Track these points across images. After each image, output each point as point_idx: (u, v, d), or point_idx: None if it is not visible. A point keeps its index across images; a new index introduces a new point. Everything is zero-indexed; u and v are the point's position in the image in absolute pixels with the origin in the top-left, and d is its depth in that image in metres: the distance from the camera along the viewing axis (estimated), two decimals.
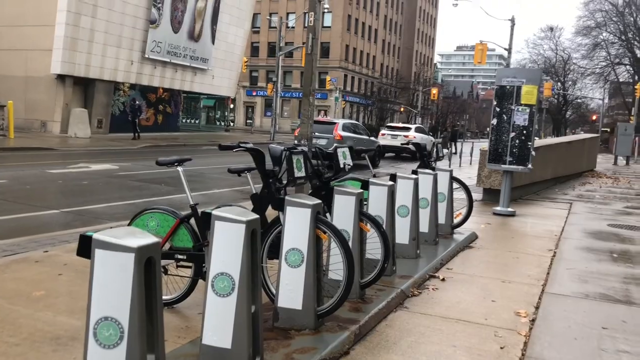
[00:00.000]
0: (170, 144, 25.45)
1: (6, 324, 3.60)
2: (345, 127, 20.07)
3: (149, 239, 2.34)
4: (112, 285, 2.23)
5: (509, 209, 9.61)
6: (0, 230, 6.89)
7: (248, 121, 67.66)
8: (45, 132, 25.72)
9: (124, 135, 26.85)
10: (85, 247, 2.31)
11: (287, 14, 63.48)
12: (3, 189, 10.07)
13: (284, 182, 3.97)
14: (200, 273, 3.98)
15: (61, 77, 25.74)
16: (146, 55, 29.44)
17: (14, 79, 25.75)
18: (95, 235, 2.28)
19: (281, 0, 67.38)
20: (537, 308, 4.66)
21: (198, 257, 3.96)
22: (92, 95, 27.55)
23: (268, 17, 61.96)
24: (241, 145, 3.97)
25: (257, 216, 3.09)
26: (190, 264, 4.05)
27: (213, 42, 34.41)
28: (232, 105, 52.53)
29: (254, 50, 65.86)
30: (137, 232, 2.42)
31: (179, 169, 4.14)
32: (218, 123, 42.49)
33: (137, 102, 27.19)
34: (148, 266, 2.30)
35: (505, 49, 36.77)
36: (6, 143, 19.72)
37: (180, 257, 3.99)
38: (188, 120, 38.68)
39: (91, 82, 27.31)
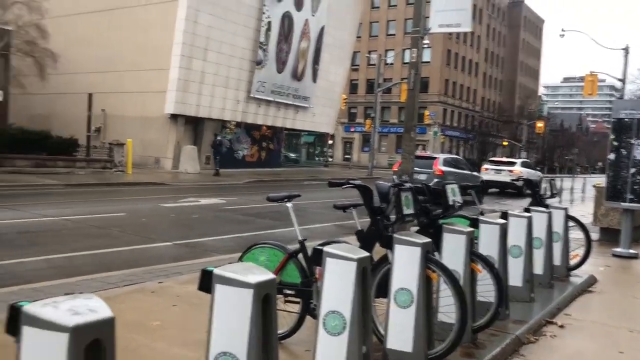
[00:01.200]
0: (273, 179, 26.23)
1: (128, 352, 3.78)
2: (446, 162, 19.67)
3: (266, 275, 2.37)
4: (231, 320, 2.28)
5: (631, 251, 8.85)
6: (120, 260, 7.36)
7: (346, 156, 68.38)
8: (159, 168, 27.48)
9: (231, 171, 28.02)
10: (206, 282, 2.38)
11: (386, 50, 64.12)
12: (122, 222, 10.80)
13: (392, 219, 3.92)
14: (308, 309, 3.98)
15: (174, 117, 27.54)
16: (251, 95, 30.83)
17: (132, 119, 27.90)
18: (216, 271, 2.35)
19: (380, 38, 68.34)
20: None
21: (306, 293, 3.96)
22: (202, 133, 29.17)
23: (367, 55, 62.92)
24: (349, 182, 3.99)
25: (368, 254, 3.06)
26: (298, 300, 4.06)
27: (315, 81, 35.42)
28: (331, 141, 53.44)
29: (352, 87, 66.97)
30: (254, 268, 2.47)
31: (288, 204, 4.22)
32: (317, 159, 43.28)
33: (219, 138, 28.13)
34: (265, 302, 2.32)
35: (618, 79, 34.65)
36: (124, 178, 21.28)
37: (288, 292, 4.02)
38: (289, 156, 39.82)
39: (200, 121, 28.97)
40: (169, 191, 17.81)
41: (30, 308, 1.69)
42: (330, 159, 51.59)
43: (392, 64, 61.82)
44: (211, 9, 27.14)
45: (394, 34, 67.41)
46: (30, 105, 27.87)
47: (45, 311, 1.68)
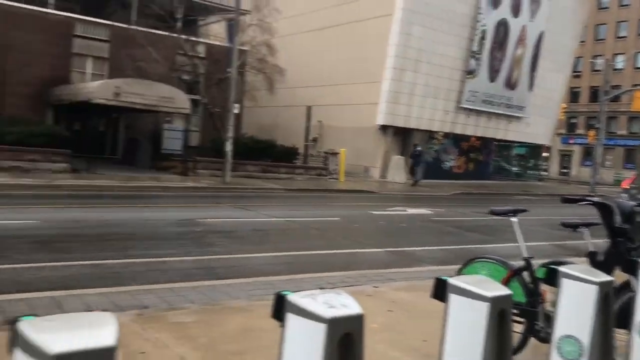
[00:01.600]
0: (480, 192, 25.38)
1: None
2: None
3: (502, 290, 2.33)
4: (466, 332, 2.27)
5: None
6: (338, 262, 7.81)
7: (562, 170, 63.12)
8: (368, 176, 28.45)
9: (437, 182, 27.82)
10: (440, 290, 2.41)
11: (614, 55, 57.83)
12: (337, 226, 11.43)
13: (637, 242, 3.53)
14: (532, 330, 3.78)
15: (383, 127, 28.31)
16: (461, 105, 30.25)
17: (345, 130, 29.37)
18: (451, 280, 2.37)
19: (608, 41, 61.85)
20: None
21: (531, 313, 3.77)
22: (409, 143, 29.48)
23: (591, 60, 57.45)
24: (586, 198, 3.71)
25: (612, 278, 2.81)
26: (521, 320, 3.88)
27: (530, 89, 33.44)
28: (546, 154, 49.88)
29: (573, 95, 61.61)
30: (488, 282, 2.44)
31: (514, 219, 4.07)
32: (530, 172, 40.69)
33: (418, 149, 27.62)
34: (501, 317, 2.28)
35: None
36: (337, 185, 22.50)
37: (513, 311, 3.86)
38: (510, 170, 38.19)
39: (408, 132, 29.30)
40: (377, 199, 18.35)
41: (293, 298, 1.90)
42: (545, 173, 48.15)
43: (621, 69, 55.58)
44: (424, 21, 27.37)
45: (624, 36, 60.42)
46: (259, 116, 31.03)
47: (305, 302, 1.87)
